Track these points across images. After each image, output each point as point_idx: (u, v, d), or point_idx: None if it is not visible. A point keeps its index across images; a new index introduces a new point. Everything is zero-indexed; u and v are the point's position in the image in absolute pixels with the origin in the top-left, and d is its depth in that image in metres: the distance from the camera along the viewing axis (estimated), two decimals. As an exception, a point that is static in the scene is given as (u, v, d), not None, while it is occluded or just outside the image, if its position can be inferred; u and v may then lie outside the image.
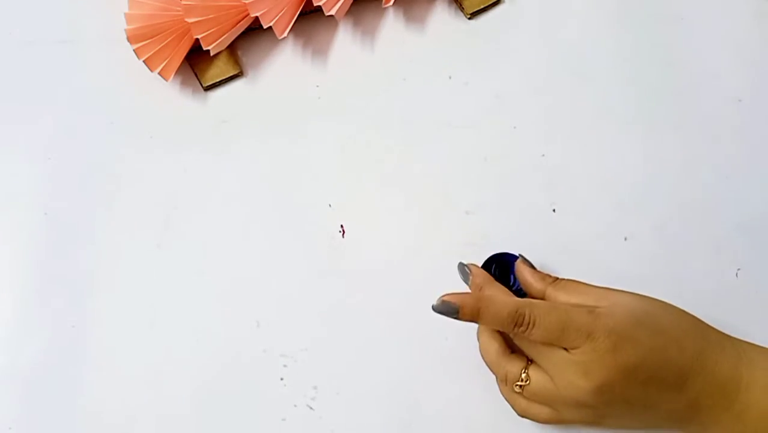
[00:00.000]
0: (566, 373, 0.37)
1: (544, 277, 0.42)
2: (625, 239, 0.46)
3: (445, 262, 0.44)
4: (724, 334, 0.40)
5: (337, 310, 0.46)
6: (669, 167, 0.47)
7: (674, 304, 0.40)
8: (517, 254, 0.44)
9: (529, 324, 0.37)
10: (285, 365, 0.45)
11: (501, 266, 0.44)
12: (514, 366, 0.39)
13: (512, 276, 0.44)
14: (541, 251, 0.45)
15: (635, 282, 0.45)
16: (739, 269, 0.45)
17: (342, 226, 0.47)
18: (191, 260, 0.47)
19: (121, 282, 0.46)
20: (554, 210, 0.46)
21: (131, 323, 0.46)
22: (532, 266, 0.43)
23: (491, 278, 0.42)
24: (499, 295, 0.40)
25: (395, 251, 0.46)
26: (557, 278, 0.42)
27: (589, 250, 0.46)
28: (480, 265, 0.44)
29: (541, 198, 0.47)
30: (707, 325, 0.40)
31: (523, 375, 0.39)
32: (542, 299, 0.41)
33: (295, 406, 0.44)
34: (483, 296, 0.38)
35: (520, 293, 0.43)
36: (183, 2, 0.46)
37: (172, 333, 0.46)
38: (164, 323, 0.46)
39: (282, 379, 0.45)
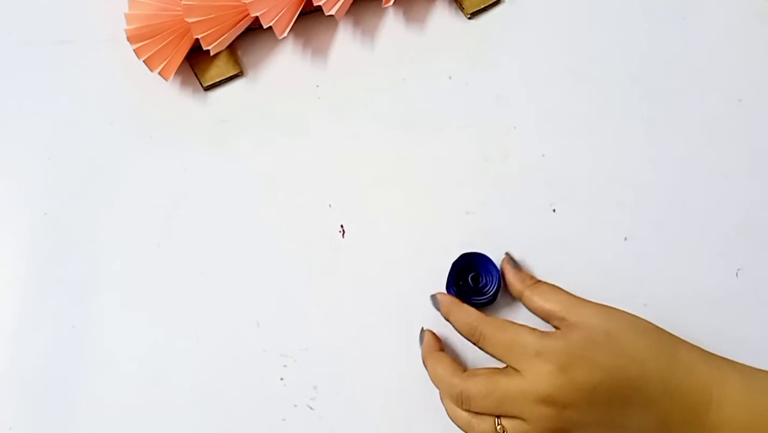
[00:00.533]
0: (528, 405, 0.38)
1: (525, 278, 0.43)
2: (625, 239, 0.46)
3: (445, 262, 0.44)
4: (698, 351, 0.40)
5: (337, 310, 0.46)
6: (669, 167, 0.47)
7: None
8: (485, 254, 0.44)
9: (479, 339, 0.41)
10: (285, 365, 0.45)
11: (468, 267, 0.44)
12: (485, 422, 0.39)
13: (482, 276, 0.44)
14: (541, 251, 0.45)
15: (635, 282, 0.45)
16: (739, 269, 0.45)
17: (342, 226, 0.47)
18: (191, 259, 0.47)
19: (121, 282, 0.46)
20: (554, 210, 0.46)
21: (131, 323, 0.46)
22: (516, 265, 0.44)
23: (457, 300, 0.43)
24: (466, 307, 0.43)
25: (395, 251, 0.46)
26: (537, 281, 0.43)
27: (589, 250, 0.46)
28: (452, 264, 0.44)
29: (541, 198, 0.47)
30: (680, 343, 0.40)
31: (498, 427, 0.39)
32: (520, 299, 0.43)
33: (295, 406, 0.44)
34: (456, 301, 0.43)
35: (485, 293, 0.44)
36: (183, 2, 0.46)
37: (172, 333, 0.46)
38: (164, 322, 0.46)
39: (282, 379, 0.45)
